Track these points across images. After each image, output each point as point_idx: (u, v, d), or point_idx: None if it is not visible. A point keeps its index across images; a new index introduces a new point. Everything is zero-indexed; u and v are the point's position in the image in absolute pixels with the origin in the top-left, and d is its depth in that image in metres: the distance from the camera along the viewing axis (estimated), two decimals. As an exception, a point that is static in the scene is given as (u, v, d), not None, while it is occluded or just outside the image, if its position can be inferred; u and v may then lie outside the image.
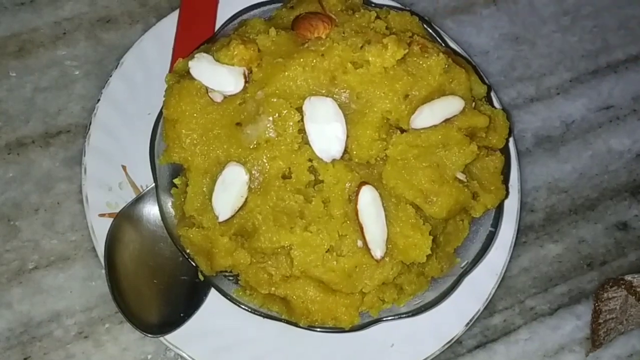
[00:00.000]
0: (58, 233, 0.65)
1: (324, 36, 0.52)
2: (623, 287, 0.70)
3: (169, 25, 0.68)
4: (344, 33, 0.51)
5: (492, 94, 0.67)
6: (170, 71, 0.64)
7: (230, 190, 0.49)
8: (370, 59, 0.49)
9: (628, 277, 0.70)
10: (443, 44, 0.59)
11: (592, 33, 0.82)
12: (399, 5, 0.62)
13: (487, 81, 0.59)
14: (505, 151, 0.56)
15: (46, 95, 0.69)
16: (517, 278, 0.71)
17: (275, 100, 0.49)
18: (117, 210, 0.61)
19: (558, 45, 0.81)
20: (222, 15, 0.69)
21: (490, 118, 0.55)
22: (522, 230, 0.72)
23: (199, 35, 0.66)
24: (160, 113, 0.57)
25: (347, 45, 0.50)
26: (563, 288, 0.72)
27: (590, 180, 0.76)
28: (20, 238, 0.65)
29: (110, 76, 0.66)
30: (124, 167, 0.64)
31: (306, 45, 0.51)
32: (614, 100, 0.80)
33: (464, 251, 0.57)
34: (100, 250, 0.61)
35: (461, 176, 0.52)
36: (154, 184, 0.60)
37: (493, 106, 0.57)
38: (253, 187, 0.49)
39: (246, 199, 0.49)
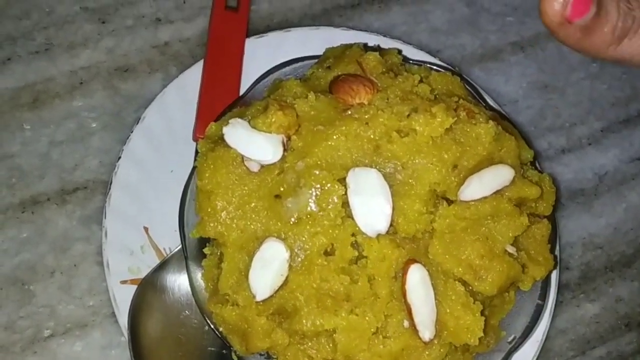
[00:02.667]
0: (75, 298, 0.62)
1: (366, 102, 0.49)
2: None
3: (191, 76, 0.66)
4: (387, 99, 0.49)
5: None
6: (195, 129, 0.62)
7: (269, 268, 0.46)
8: (417, 128, 0.46)
9: None
10: (484, 104, 0.57)
11: (621, 80, 0.80)
12: (438, 62, 0.59)
13: (533, 146, 0.56)
14: (552, 218, 0.53)
15: (62, 149, 0.66)
16: (554, 340, 0.68)
17: (317, 172, 0.46)
18: (140, 276, 0.58)
19: (587, 93, 0.79)
20: (248, 67, 0.66)
21: (537, 184, 0.52)
22: (558, 290, 0.69)
23: (224, 89, 0.63)
24: (189, 177, 0.54)
25: (393, 113, 0.47)
26: (602, 350, 0.69)
27: (626, 235, 0.74)
28: (35, 303, 0.61)
29: (132, 132, 0.63)
30: (145, 229, 0.61)
31: (349, 112, 0.48)
32: (647, 150, 0.78)
33: (509, 323, 0.54)
34: (122, 319, 0.57)
35: (511, 249, 0.50)
36: (178, 247, 0.58)
37: (538, 170, 0.55)
38: (294, 265, 0.46)
39: (287, 277, 0.46)
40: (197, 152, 0.52)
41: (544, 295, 0.53)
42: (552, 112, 0.77)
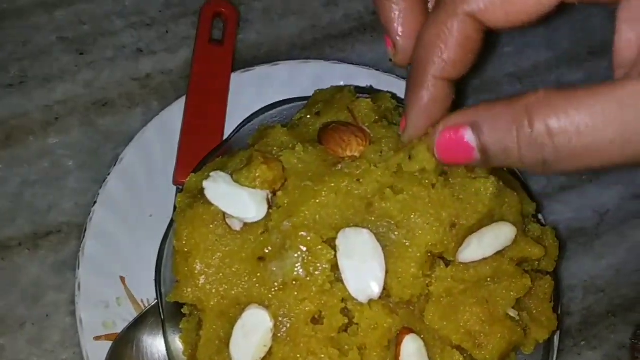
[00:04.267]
0: (47, 351, 0.58)
1: (357, 154, 0.45)
2: None
3: (173, 114, 0.62)
4: (381, 152, 0.45)
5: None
6: (176, 172, 0.58)
7: (251, 338, 0.42)
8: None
9: None
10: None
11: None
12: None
13: (534, 196, 0.53)
14: (555, 275, 0.50)
15: (35, 190, 0.62)
16: (555, 392, 0.65)
17: (304, 234, 0.42)
18: (115, 331, 0.54)
19: (588, 126, 0.76)
20: (233, 103, 0.63)
21: (539, 240, 0.49)
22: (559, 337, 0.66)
23: (207, 129, 0.60)
24: (167, 230, 0.50)
25: (386, 168, 0.44)
26: (604, 401, 0.66)
27: (628, 277, 0.70)
28: (5, 357, 0.57)
29: (108, 174, 0.59)
30: (122, 279, 0.57)
31: (339, 166, 0.45)
32: (648, 188, 0.75)
33: (509, 387, 0.50)
34: (95, 377, 0.53)
35: (512, 312, 0.46)
36: (156, 300, 0.54)
37: (540, 222, 0.51)
38: (278, 334, 0.42)
39: (270, 348, 0.42)
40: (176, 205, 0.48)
41: (546, 357, 0.50)
42: (552, 147, 0.74)
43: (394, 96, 0.53)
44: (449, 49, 0.37)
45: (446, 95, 0.39)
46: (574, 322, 0.68)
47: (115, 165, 0.60)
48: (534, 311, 0.49)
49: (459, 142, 0.36)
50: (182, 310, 0.48)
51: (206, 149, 0.54)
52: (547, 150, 0.32)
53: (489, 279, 0.46)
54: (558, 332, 0.61)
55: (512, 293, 0.46)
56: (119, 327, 0.54)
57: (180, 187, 0.55)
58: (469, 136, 0.35)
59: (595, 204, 0.73)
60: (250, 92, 0.63)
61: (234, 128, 0.54)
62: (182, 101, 0.62)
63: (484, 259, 0.45)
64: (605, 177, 0.74)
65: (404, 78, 0.67)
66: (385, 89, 0.63)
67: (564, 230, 0.71)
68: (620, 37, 0.36)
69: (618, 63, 0.37)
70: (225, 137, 0.60)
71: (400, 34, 0.41)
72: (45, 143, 0.64)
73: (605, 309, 0.69)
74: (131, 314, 0.56)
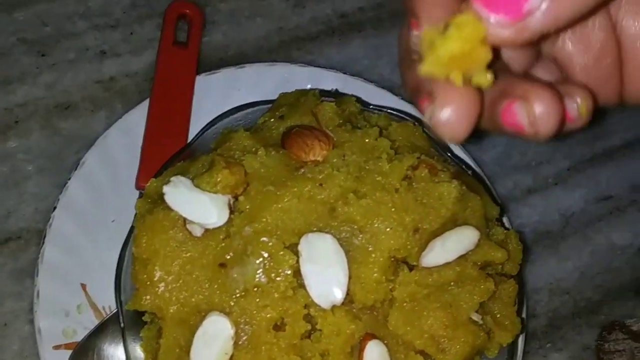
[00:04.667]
0: (5, 361, 0.56)
1: (321, 158, 0.45)
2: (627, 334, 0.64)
3: (136, 117, 0.61)
4: (344, 157, 0.45)
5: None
6: (138, 177, 0.57)
7: (212, 346, 0.41)
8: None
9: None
10: (449, 152, 0.53)
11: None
12: (399, 108, 0.56)
13: (499, 200, 0.53)
14: (519, 277, 0.50)
15: (-6, 195, 0.61)
16: (521, 394, 0.65)
17: (266, 239, 0.42)
18: (75, 340, 0.53)
19: (554, 130, 0.76)
20: (198, 106, 0.62)
21: (503, 243, 0.49)
22: (525, 339, 0.66)
23: (171, 133, 0.59)
24: (127, 237, 0.49)
25: (349, 173, 0.43)
26: (570, 403, 0.66)
27: (592, 280, 0.71)
28: (-40, 368, 0.56)
29: (69, 179, 0.58)
30: (83, 286, 0.56)
31: (302, 171, 0.44)
32: (613, 190, 0.75)
33: (473, 391, 0.50)
34: (55, 387, 0.52)
35: (476, 316, 0.46)
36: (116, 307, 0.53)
37: (504, 226, 0.52)
38: (240, 342, 0.42)
39: (231, 356, 0.42)
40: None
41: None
42: (518, 150, 0.75)
43: (358, 100, 0.52)
44: None
45: None
46: (540, 325, 0.68)
47: (76, 169, 0.58)
48: (498, 315, 0.49)
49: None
50: (143, 318, 0.47)
51: (169, 153, 0.53)
52: None
53: (452, 283, 0.45)
54: (523, 334, 0.62)
55: (475, 297, 0.46)
56: (80, 336, 0.53)
57: (143, 191, 0.54)
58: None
59: (560, 207, 0.73)
60: (216, 95, 0.62)
61: (198, 131, 0.53)
62: (145, 104, 0.61)
63: (447, 263, 0.45)
64: (571, 180, 0.75)
65: (370, 81, 0.68)
66: (352, 92, 0.62)
67: (530, 233, 0.72)
68: None
69: None
70: (189, 140, 0.59)
71: None
72: (4, 147, 0.62)
73: (571, 311, 0.70)
74: (92, 322, 0.54)
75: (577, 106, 0.33)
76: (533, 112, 0.31)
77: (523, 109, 0.31)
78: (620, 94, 0.38)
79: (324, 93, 0.53)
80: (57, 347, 0.53)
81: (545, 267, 0.70)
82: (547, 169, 0.75)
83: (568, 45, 0.36)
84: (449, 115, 0.30)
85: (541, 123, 0.31)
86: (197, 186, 0.44)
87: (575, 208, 0.74)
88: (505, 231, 0.50)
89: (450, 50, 0.28)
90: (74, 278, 0.56)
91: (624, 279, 0.72)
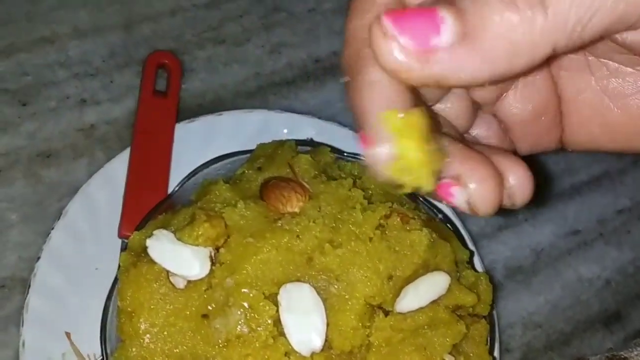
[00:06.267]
0: (-11, 411, 0.57)
1: (297, 210, 0.47)
2: None
3: (118, 165, 0.63)
4: (319, 208, 0.47)
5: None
6: (120, 226, 0.59)
7: (196, 397, 0.43)
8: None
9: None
10: (421, 198, 0.56)
11: (557, 154, 0.81)
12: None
13: (469, 242, 0.55)
14: (490, 318, 0.52)
15: (-23, 245, 0.62)
16: None
17: (246, 290, 0.44)
18: (60, 388, 0.54)
19: (522, 167, 0.79)
20: (178, 153, 0.64)
21: (474, 285, 0.51)
22: (499, 374, 0.68)
23: (152, 182, 0.60)
24: (112, 287, 0.50)
25: (325, 224, 0.46)
26: None
27: (564, 313, 0.74)
28: (-57, 420, 0.56)
29: (52, 228, 0.59)
30: (68, 335, 0.57)
31: (280, 223, 0.46)
32: (580, 225, 0.78)
33: None
34: None
35: (449, 358, 0.48)
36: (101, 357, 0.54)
37: (474, 269, 0.54)
38: (223, 392, 0.43)
39: (215, 406, 0.43)
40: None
41: (484, 399, 0.52)
42: (489, 188, 0.77)
43: (333, 149, 0.55)
44: None
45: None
46: (514, 359, 0.70)
47: (59, 219, 0.60)
48: (471, 354, 0.51)
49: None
50: (128, 366, 0.49)
51: (151, 201, 0.55)
52: None
53: (426, 327, 0.47)
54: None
55: (447, 339, 0.48)
56: (64, 384, 0.54)
57: (126, 240, 0.56)
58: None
59: (531, 243, 0.76)
60: (196, 143, 0.64)
61: (179, 181, 0.55)
62: (126, 153, 0.63)
63: (421, 308, 0.47)
64: (540, 216, 0.78)
65: (345, 125, 0.70)
66: (327, 137, 0.65)
67: (502, 268, 0.74)
68: None
69: None
70: (170, 188, 0.61)
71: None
72: (-13, 197, 0.63)
73: (543, 344, 0.72)
74: (76, 370, 0.55)
75: (514, 192, 0.33)
76: (470, 196, 0.30)
77: (459, 192, 0.30)
78: (562, 142, 0.38)
79: (300, 142, 0.55)
80: (41, 397, 0.54)
81: (518, 302, 0.73)
82: (517, 205, 0.77)
83: (508, 101, 0.37)
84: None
85: (479, 207, 0.30)
86: (179, 239, 0.45)
87: (545, 243, 0.76)
88: (475, 273, 0.53)
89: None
90: (59, 327, 0.56)
91: (592, 312, 0.75)
